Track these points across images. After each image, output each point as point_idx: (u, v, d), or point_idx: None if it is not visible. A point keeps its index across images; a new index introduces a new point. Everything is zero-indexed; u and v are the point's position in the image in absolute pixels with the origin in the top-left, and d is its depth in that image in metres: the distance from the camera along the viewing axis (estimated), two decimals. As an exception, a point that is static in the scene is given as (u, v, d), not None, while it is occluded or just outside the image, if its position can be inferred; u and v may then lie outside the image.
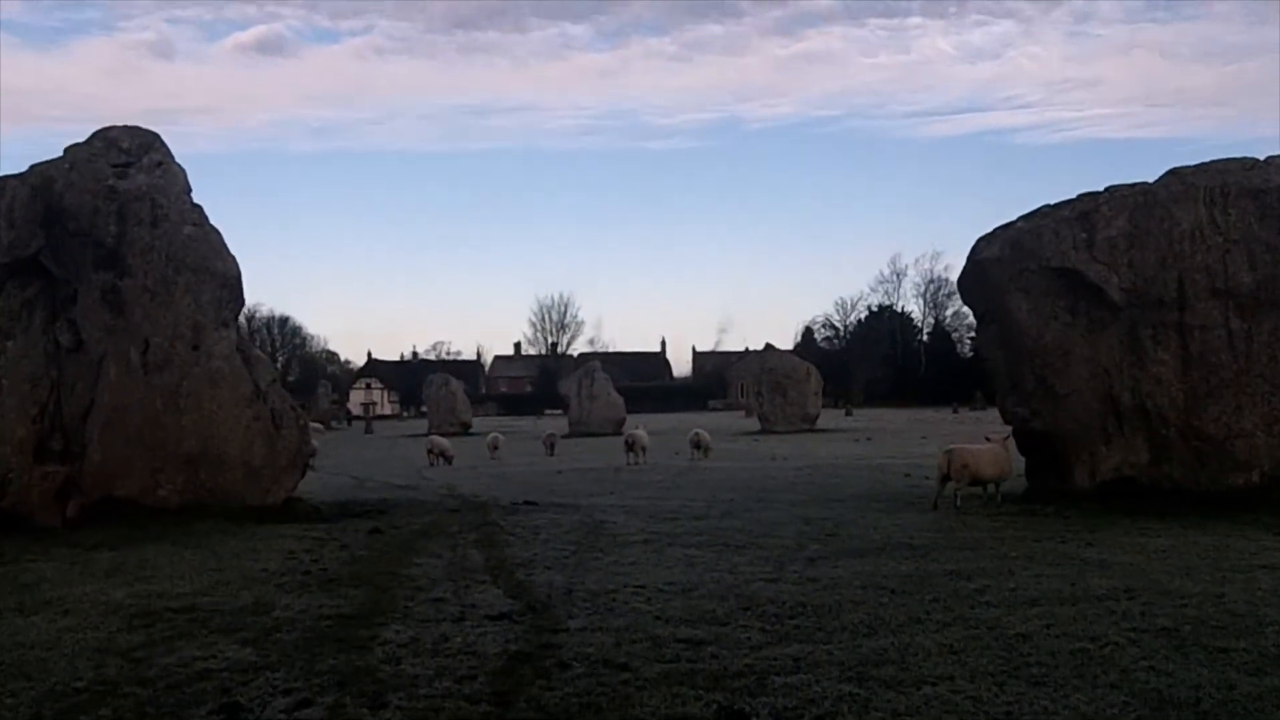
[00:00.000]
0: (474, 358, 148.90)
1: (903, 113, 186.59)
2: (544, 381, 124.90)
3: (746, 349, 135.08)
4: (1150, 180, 19.23)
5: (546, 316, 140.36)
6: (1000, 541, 14.10)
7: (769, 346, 64.71)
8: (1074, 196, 19.37)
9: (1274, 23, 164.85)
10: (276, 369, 17.79)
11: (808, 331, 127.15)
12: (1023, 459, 19.82)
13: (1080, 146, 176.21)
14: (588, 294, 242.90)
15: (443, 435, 60.73)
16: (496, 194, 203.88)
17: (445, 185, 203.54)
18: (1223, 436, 18.09)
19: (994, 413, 74.18)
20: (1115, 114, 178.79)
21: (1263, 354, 18.22)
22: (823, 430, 57.45)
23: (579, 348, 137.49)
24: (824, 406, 63.56)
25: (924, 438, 49.08)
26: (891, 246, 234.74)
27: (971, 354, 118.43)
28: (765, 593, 10.52)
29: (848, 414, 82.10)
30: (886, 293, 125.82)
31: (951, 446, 18.86)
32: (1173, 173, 19.27)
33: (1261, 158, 19.44)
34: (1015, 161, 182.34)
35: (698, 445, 36.33)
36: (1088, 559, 12.57)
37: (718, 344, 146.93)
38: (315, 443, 40.52)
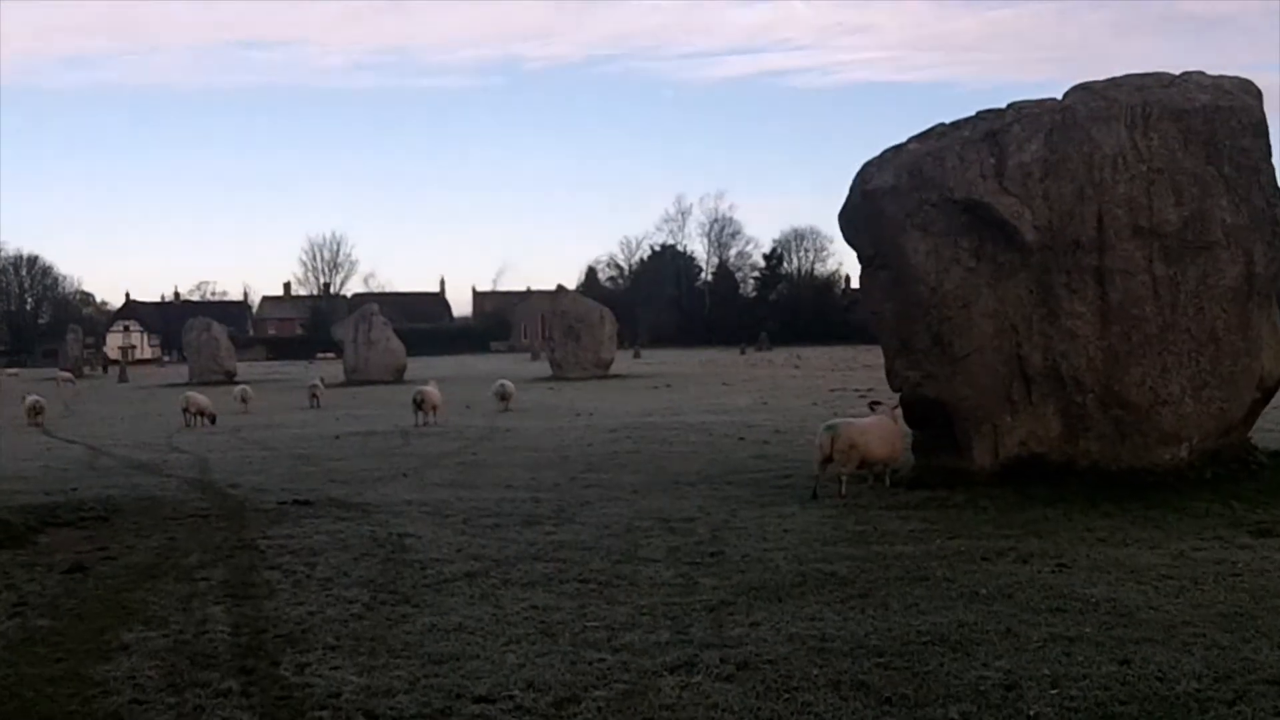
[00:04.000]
0: (241, 299, 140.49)
1: (681, 54, 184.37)
2: (316, 324, 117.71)
3: (529, 289, 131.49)
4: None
5: (318, 255, 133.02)
6: (942, 561, 10.60)
7: (560, 288, 60.86)
8: (973, 114, 16.02)
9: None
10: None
11: (591, 272, 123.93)
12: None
13: (853, 90, 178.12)
14: (362, 233, 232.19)
15: (205, 384, 55.07)
16: (266, 130, 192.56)
17: (211, 120, 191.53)
18: (1147, 404, 15.18)
19: (782, 354, 73.54)
20: (885, 58, 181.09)
21: (1189, 305, 15.36)
22: (618, 376, 54.26)
23: (353, 288, 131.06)
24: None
25: (725, 385, 46.51)
26: (676, 186, 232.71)
27: (755, 295, 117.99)
28: (690, 708, 6.57)
29: (636, 356, 79.18)
30: (671, 232, 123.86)
31: (835, 421, 15.30)
32: (1084, 88, 16.10)
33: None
34: (791, 103, 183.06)
35: (504, 396, 34.64)
36: (1087, 597, 9.17)
37: (496, 284, 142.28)
38: (38, 399, 34.96)
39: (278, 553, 11.36)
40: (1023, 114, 15.55)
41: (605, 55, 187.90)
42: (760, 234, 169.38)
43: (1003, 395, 15.39)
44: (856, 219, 15.73)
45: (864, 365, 58.91)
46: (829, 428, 14.90)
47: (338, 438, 25.68)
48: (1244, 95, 16.13)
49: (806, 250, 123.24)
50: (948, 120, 16.07)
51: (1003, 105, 15.96)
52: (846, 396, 36.16)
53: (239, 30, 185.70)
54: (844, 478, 14.70)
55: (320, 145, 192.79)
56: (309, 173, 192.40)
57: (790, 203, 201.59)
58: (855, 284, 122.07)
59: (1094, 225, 15.19)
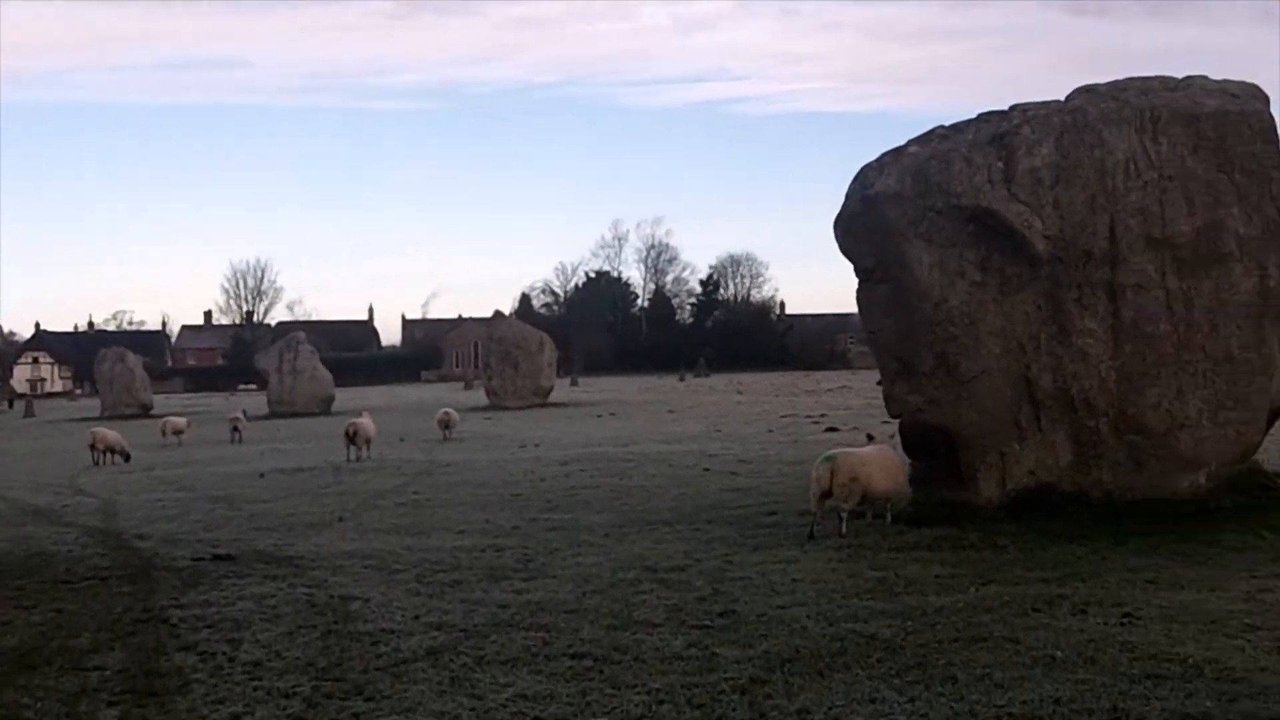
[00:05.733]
0: (159, 328, 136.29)
1: (623, 81, 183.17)
2: (238, 354, 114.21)
3: (460, 316, 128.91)
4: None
5: (241, 282, 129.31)
6: (991, 615, 9.07)
7: (498, 314, 58.82)
8: (974, 116, 14.64)
9: (972, 5, 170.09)
10: None
11: (525, 298, 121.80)
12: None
13: (792, 118, 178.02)
14: (287, 260, 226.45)
15: (118, 418, 52.35)
16: (188, 152, 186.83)
17: (129, 141, 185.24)
18: (1164, 428, 13.94)
19: (721, 380, 72.08)
20: (824, 89, 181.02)
21: (1203, 321, 14.18)
22: (558, 404, 52.39)
23: (277, 316, 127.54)
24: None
25: (671, 412, 45.03)
26: (613, 213, 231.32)
27: (691, 321, 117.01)
28: None
29: (574, 383, 77.27)
30: (608, 258, 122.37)
31: (834, 452, 13.68)
32: (1088, 90, 14.88)
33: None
34: (730, 131, 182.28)
35: (447, 425, 34.15)
36: (1182, 659, 7.75)
37: (426, 311, 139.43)
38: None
39: (193, 627, 9.41)
40: (1030, 115, 14.24)
41: (545, 82, 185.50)
42: (697, 260, 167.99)
43: (1010, 421, 14.04)
44: (856, 227, 14.20)
45: (806, 391, 57.85)
46: (827, 459, 13.30)
47: (262, 476, 23.58)
48: (1252, 100, 15.01)
49: (742, 276, 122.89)
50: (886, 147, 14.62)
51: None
52: (800, 423, 34.94)
53: (173, 47, 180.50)
54: (844, 515, 13.12)
55: (246, 169, 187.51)
56: (233, 197, 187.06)
57: (727, 230, 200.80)
58: (790, 309, 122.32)
59: (1106, 236, 13.97)
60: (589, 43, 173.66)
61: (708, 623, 9.08)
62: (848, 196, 14.17)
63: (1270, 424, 15.33)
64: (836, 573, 11.04)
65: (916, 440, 14.40)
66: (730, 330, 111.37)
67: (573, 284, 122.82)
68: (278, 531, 15.04)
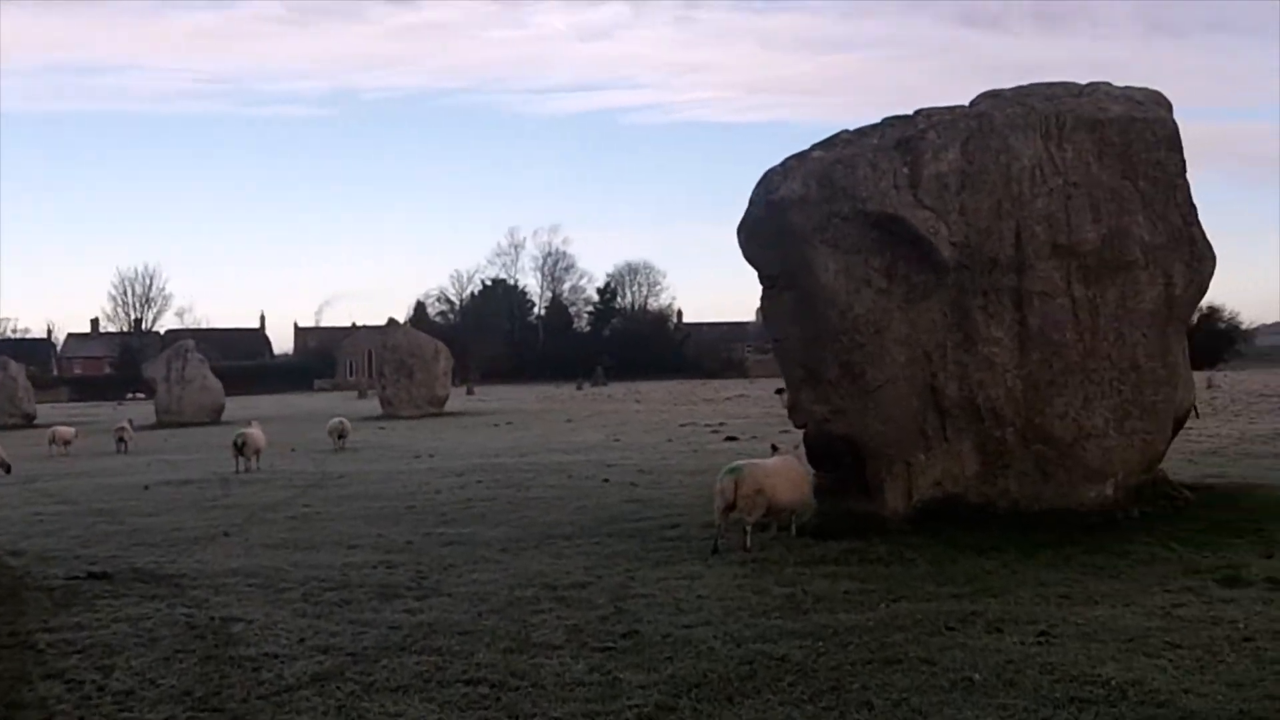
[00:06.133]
0: (44, 336, 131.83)
1: (521, 88, 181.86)
2: (126, 362, 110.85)
3: (354, 324, 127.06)
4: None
5: (129, 289, 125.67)
6: (904, 634, 8.77)
7: (392, 322, 57.83)
8: (879, 121, 14.42)
9: (866, 17, 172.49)
10: None
11: (420, 306, 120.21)
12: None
13: (689, 127, 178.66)
14: (177, 267, 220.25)
15: (0, 429, 50.26)
16: (76, 158, 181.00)
17: (13, 147, 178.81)
18: (1071, 438, 13.85)
19: (619, 388, 71.61)
20: (720, 98, 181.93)
21: (1109, 330, 14.16)
22: (454, 414, 51.57)
23: (167, 324, 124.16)
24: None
25: (570, 421, 44.57)
26: (509, 220, 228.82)
27: (589, 329, 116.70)
28: None
29: (470, 392, 76.51)
30: (504, 266, 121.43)
31: (739, 463, 13.29)
32: (993, 95, 14.78)
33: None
34: (628, 140, 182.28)
35: (340, 434, 33.41)
36: (1103, 680, 7.52)
37: (319, 319, 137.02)
38: None
39: (61, 653, 8.70)
40: (935, 120, 14.08)
41: (443, 88, 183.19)
42: (594, 268, 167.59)
43: (916, 430, 13.85)
44: (760, 233, 13.87)
45: (704, 399, 57.78)
46: (732, 470, 12.92)
47: (147, 488, 22.57)
48: (1155, 107, 15.07)
49: (640, 285, 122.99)
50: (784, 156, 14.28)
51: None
52: (699, 432, 34.71)
53: (61, 53, 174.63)
54: (748, 528, 12.77)
55: (134, 175, 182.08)
56: (121, 203, 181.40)
57: (624, 238, 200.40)
58: (688, 318, 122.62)
59: (1012, 243, 13.85)
60: (485, 50, 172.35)
61: (610, 644, 8.64)
62: (751, 202, 13.85)
63: (1175, 433, 15.43)
64: (743, 589, 10.67)
65: (822, 450, 14.13)
66: (628, 338, 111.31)
67: (468, 292, 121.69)
68: (159, 547, 14.23)
